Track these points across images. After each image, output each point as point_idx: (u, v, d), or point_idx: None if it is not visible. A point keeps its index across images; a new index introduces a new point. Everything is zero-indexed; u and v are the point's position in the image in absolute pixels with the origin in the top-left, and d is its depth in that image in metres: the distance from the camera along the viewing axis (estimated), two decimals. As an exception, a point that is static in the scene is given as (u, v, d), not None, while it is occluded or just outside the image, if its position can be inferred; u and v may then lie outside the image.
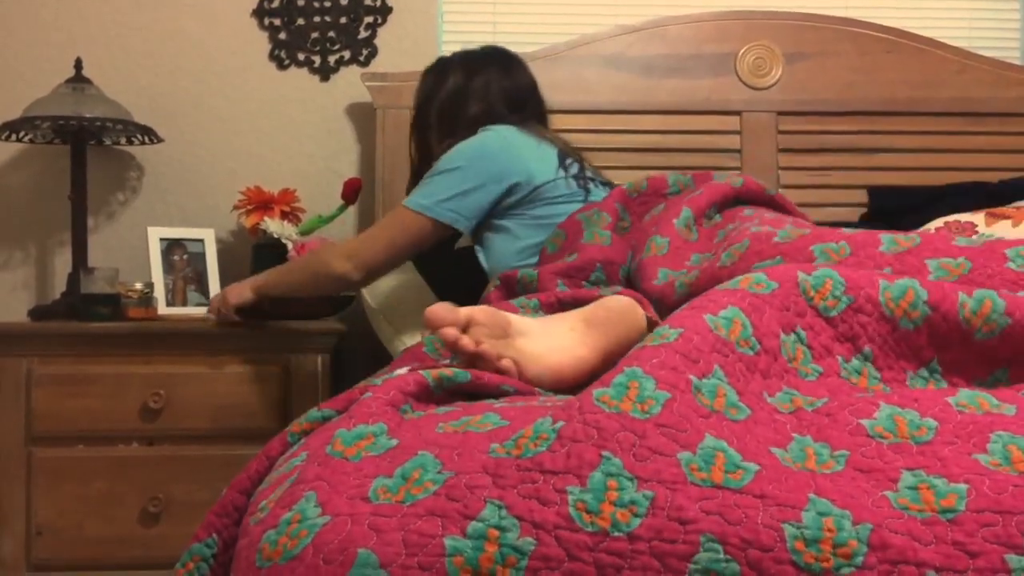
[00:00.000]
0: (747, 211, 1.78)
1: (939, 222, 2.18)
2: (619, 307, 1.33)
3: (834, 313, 1.10)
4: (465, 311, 1.19)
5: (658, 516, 0.76)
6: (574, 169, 2.10)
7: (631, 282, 1.75)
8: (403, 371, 1.11)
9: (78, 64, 2.63)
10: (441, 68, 2.29)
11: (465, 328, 1.19)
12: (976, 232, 2.10)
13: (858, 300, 1.10)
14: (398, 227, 2.07)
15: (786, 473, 0.80)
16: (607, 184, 2.16)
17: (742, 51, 2.81)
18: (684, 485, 0.78)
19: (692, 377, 0.90)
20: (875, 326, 1.10)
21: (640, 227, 1.88)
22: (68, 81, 2.60)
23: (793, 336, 1.06)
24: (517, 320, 1.24)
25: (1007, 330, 1.08)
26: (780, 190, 2.23)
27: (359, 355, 2.86)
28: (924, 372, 1.09)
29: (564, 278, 1.79)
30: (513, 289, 1.84)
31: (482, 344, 1.17)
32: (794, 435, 0.88)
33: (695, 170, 2.20)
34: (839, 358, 1.08)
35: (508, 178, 2.03)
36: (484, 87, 2.23)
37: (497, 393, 1.10)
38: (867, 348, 1.09)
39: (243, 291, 2.27)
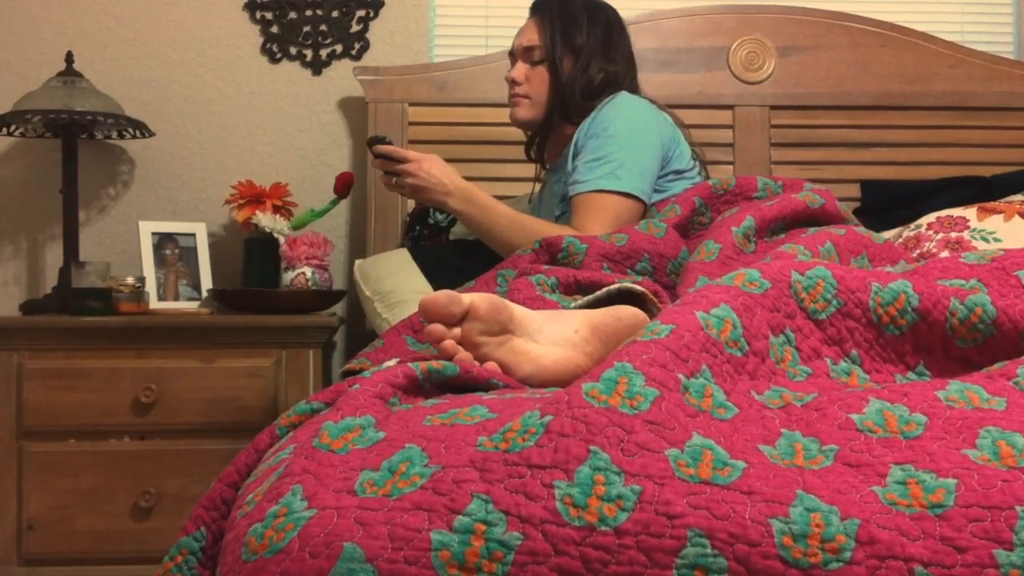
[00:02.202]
0: (810, 231, 1.73)
1: (931, 217, 2.18)
2: (630, 319, 1.31)
3: (823, 316, 1.10)
4: (467, 301, 1.17)
5: (645, 510, 0.76)
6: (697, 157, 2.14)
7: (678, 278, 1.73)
8: (392, 363, 1.11)
9: (69, 58, 2.62)
10: (594, 8, 2.21)
11: (462, 319, 1.18)
12: (968, 227, 2.10)
13: (848, 305, 1.11)
14: (618, 218, 1.95)
15: (774, 470, 0.80)
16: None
17: (735, 45, 2.80)
18: (672, 480, 0.78)
19: (681, 376, 0.90)
20: (862, 331, 1.11)
21: (712, 226, 1.85)
22: (59, 75, 2.60)
23: (782, 338, 1.06)
24: (520, 315, 1.22)
25: (989, 341, 1.09)
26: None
27: (352, 349, 2.86)
28: (912, 376, 1.10)
29: (610, 262, 1.75)
30: (554, 256, 1.78)
31: (462, 353, 1.16)
32: (782, 430, 0.88)
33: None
34: (827, 360, 1.08)
35: (673, 163, 2.05)
36: (627, 47, 2.22)
37: (486, 387, 1.10)
38: (854, 352, 1.10)
39: (447, 191, 2.02)
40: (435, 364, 1.08)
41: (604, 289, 1.40)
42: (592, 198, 1.98)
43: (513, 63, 2.25)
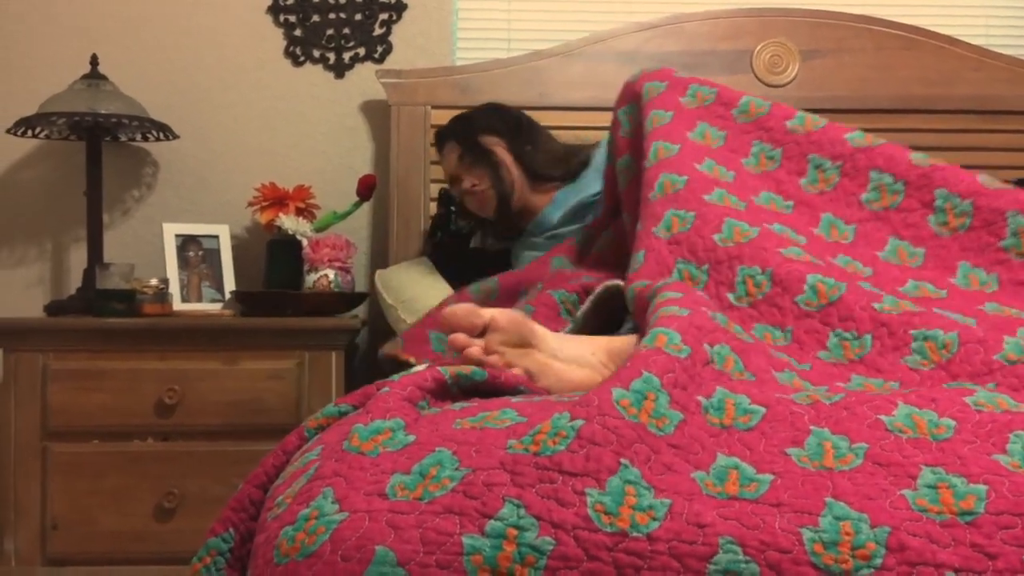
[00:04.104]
0: None
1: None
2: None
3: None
4: (488, 315, 1.18)
5: (676, 520, 0.76)
6: None
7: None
8: (421, 367, 1.11)
9: (94, 60, 2.64)
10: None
11: (483, 332, 1.18)
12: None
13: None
14: None
15: (802, 477, 0.80)
16: None
17: (758, 48, 2.80)
18: (700, 496, 0.78)
19: (701, 399, 0.91)
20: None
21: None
22: (84, 77, 2.61)
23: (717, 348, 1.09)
24: (541, 332, 1.23)
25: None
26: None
27: (374, 352, 2.87)
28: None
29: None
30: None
31: (491, 356, 1.16)
32: (812, 427, 0.88)
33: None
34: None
35: None
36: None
37: (513, 392, 1.10)
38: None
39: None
40: (463, 369, 1.08)
41: (590, 298, 1.42)
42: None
43: None
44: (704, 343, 0.98)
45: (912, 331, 1.12)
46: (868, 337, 1.13)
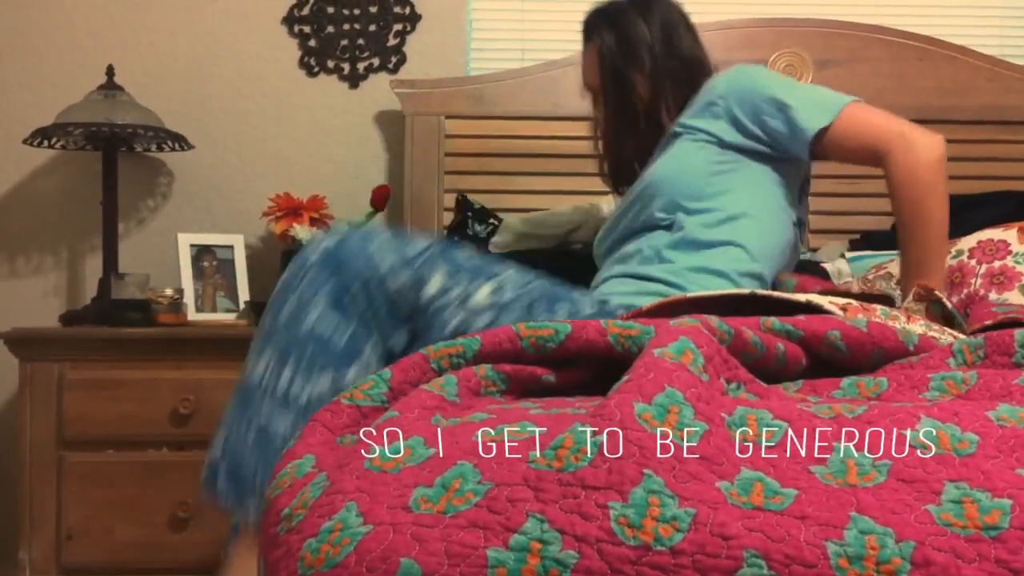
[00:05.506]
0: None
1: (972, 241, 2.15)
2: None
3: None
4: None
5: (700, 531, 0.76)
6: None
7: None
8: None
9: (110, 71, 2.65)
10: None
11: None
12: (1010, 251, 2.07)
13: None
14: None
15: (826, 492, 0.80)
16: None
17: (772, 58, 2.80)
18: (725, 505, 0.78)
19: (724, 415, 0.91)
20: None
21: None
22: (100, 88, 2.62)
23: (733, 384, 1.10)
24: None
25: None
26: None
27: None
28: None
29: None
30: None
31: None
32: (834, 444, 0.88)
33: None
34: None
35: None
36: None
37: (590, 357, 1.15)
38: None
39: None
40: (543, 331, 1.14)
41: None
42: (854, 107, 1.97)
43: None
44: (722, 377, 0.99)
45: (931, 374, 1.12)
46: (884, 379, 1.12)
